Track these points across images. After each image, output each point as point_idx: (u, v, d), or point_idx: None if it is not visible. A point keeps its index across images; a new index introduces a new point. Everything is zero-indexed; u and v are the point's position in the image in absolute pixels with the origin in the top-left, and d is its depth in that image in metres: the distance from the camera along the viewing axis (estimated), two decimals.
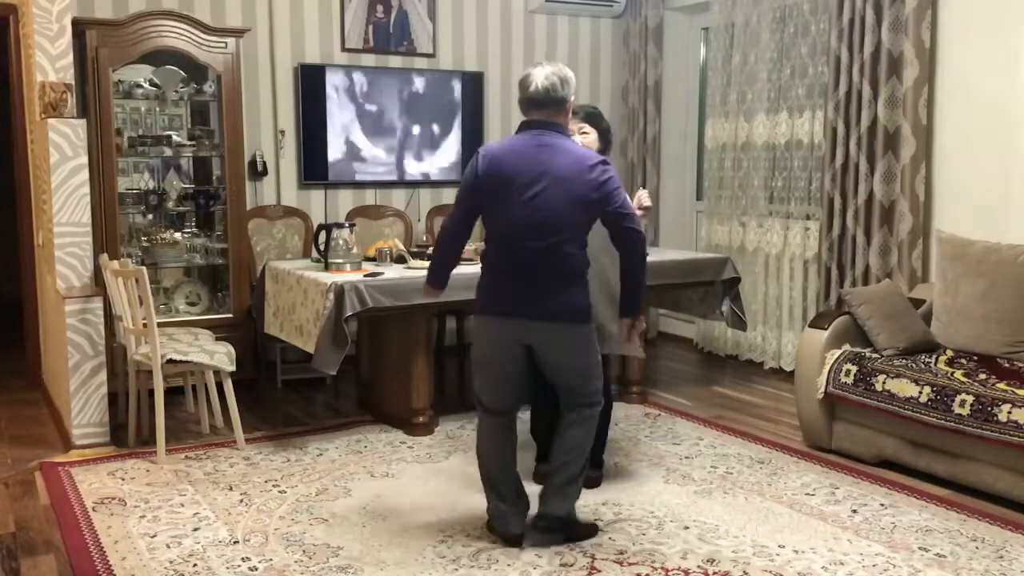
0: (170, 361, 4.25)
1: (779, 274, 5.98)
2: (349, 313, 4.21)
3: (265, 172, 5.90)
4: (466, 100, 6.47)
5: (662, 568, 3.14)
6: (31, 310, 5.70)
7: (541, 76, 3.17)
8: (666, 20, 6.72)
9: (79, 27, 4.91)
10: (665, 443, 4.47)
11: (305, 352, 4.46)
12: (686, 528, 3.46)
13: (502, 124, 6.69)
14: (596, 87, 7.03)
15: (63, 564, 3.22)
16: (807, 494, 3.82)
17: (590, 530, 3.41)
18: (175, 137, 5.48)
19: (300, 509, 3.65)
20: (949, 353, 4.18)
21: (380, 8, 6.20)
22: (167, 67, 5.38)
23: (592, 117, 3.96)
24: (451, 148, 6.47)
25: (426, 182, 6.44)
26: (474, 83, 6.50)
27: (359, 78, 6.12)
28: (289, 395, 5.45)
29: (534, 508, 3.38)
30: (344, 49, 6.13)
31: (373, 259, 4.89)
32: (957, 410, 3.70)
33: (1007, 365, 3.98)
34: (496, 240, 3.23)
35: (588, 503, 3.69)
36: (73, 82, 4.64)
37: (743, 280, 5.49)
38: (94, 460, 4.26)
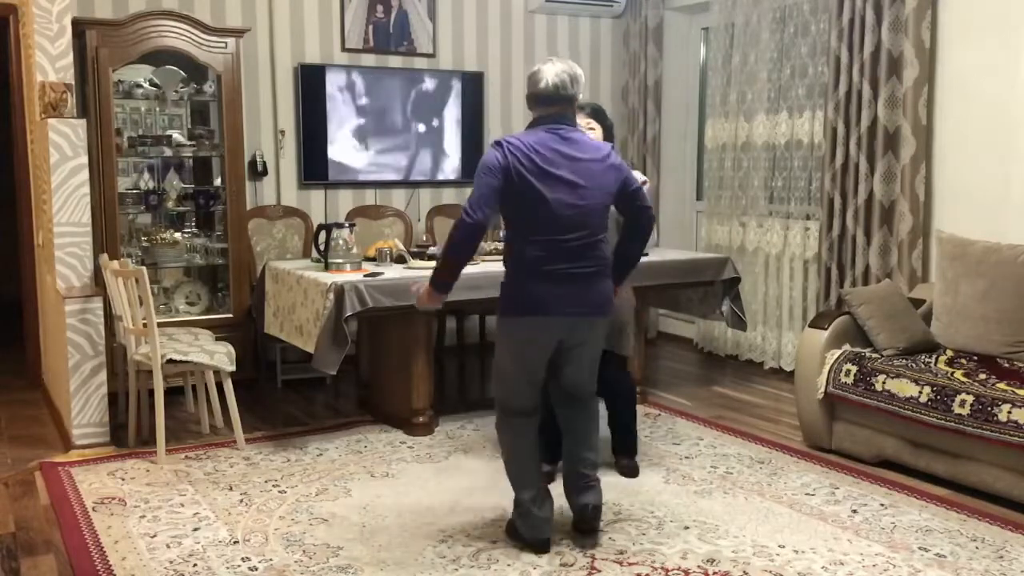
0: (170, 361, 4.25)
1: (779, 274, 5.98)
2: (349, 313, 4.21)
3: (265, 172, 5.90)
4: (466, 100, 6.47)
5: (662, 568, 3.14)
6: (31, 310, 5.70)
7: (551, 73, 3.16)
8: (666, 20, 6.72)
9: (79, 27, 4.91)
10: (665, 443, 4.47)
11: (305, 352, 4.46)
12: (686, 528, 3.46)
13: (502, 124, 6.69)
14: (596, 87, 7.03)
15: (63, 564, 3.22)
16: (807, 494, 3.82)
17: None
18: (175, 137, 5.48)
19: (300, 509, 3.65)
20: (949, 353, 4.18)
21: (380, 8, 6.20)
22: (167, 67, 5.38)
23: (598, 113, 3.98)
24: (451, 148, 6.47)
25: (426, 182, 6.44)
26: (474, 83, 6.50)
27: (359, 78, 6.12)
28: (289, 395, 5.45)
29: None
30: (344, 49, 6.13)
31: (373, 259, 4.89)
32: (957, 410, 3.70)
33: (1007, 365, 3.98)
34: (530, 238, 3.15)
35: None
36: (73, 82, 4.64)
37: (743, 280, 5.49)
38: (94, 460, 4.26)
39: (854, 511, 3.63)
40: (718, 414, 5.01)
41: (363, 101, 6.15)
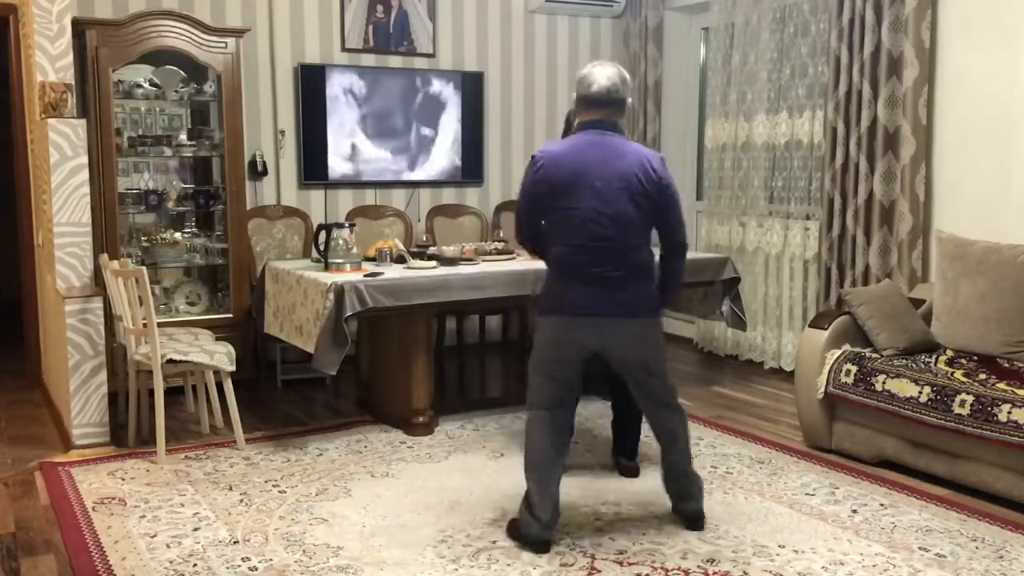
0: (170, 361, 4.25)
1: (779, 274, 5.98)
2: (349, 313, 4.21)
3: (265, 172, 5.90)
4: (466, 100, 6.47)
5: (662, 568, 3.14)
6: (31, 310, 5.70)
7: (603, 76, 3.19)
8: (666, 20, 6.72)
9: (79, 27, 4.91)
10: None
11: (305, 352, 4.46)
12: (686, 528, 3.46)
13: (502, 124, 6.69)
14: None
15: (63, 564, 3.22)
16: (807, 494, 3.82)
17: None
18: (175, 137, 5.49)
19: (300, 509, 3.65)
20: (949, 353, 4.17)
21: (380, 8, 6.20)
22: (167, 67, 5.38)
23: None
24: (451, 148, 6.47)
25: (426, 182, 6.44)
26: (474, 83, 6.50)
27: (359, 78, 6.12)
28: (289, 395, 5.45)
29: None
30: (344, 49, 6.13)
31: (373, 259, 4.89)
32: (957, 410, 3.70)
33: (1007, 365, 3.98)
34: (560, 242, 3.22)
35: (588, 503, 3.69)
36: (73, 82, 4.64)
37: (743, 280, 5.49)
38: (94, 460, 4.26)
39: (854, 511, 3.63)
40: (718, 414, 5.01)
41: (363, 101, 6.15)
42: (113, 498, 3.78)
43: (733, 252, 6.01)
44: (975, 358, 4.08)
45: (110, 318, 4.59)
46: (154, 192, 5.44)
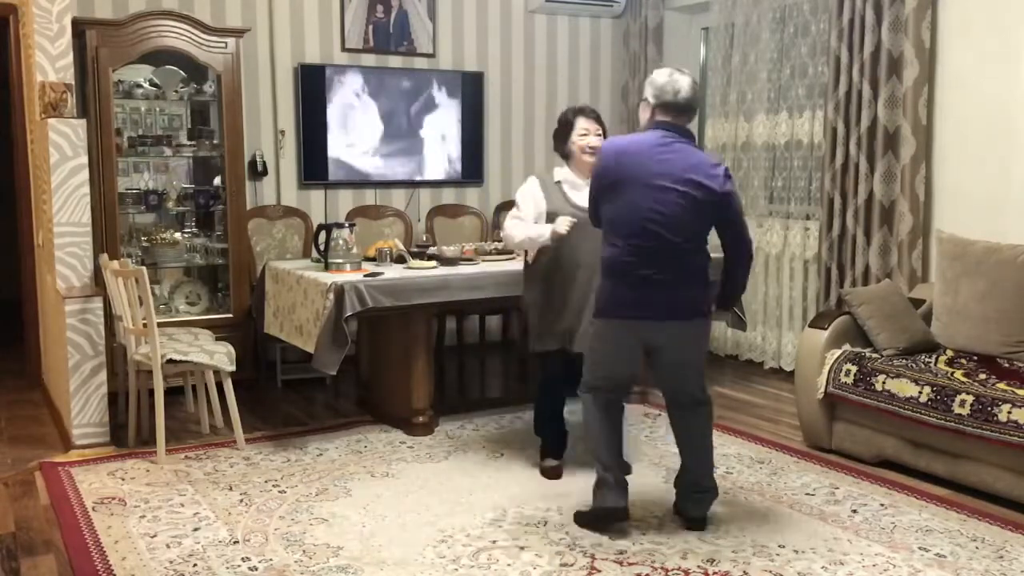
0: (170, 361, 4.25)
1: (779, 274, 5.98)
2: (349, 313, 4.21)
3: (265, 172, 5.90)
4: (466, 100, 6.47)
5: (662, 568, 3.14)
6: (31, 310, 5.70)
7: (687, 84, 3.26)
8: (666, 20, 6.71)
9: (79, 27, 4.91)
10: (665, 443, 4.47)
11: (305, 352, 4.46)
12: (687, 528, 3.46)
13: (502, 124, 6.69)
14: (596, 87, 7.03)
15: (63, 564, 3.22)
16: (807, 494, 3.82)
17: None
18: (175, 137, 5.49)
19: (300, 509, 3.65)
20: (949, 353, 4.17)
21: (380, 8, 6.20)
22: (167, 67, 5.38)
23: (601, 120, 3.98)
24: (451, 148, 6.47)
25: (426, 182, 6.44)
26: (474, 83, 6.50)
27: (359, 78, 6.12)
28: (289, 395, 5.45)
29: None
30: (344, 49, 6.12)
31: (373, 259, 4.88)
32: (957, 410, 3.70)
33: (1007, 365, 3.98)
34: (614, 241, 3.23)
35: (588, 503, 3.69)
36: (73, 82, 4.64)
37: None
38: (94, 460, 4.26)
39: (854, 511, 3.63)
40: (718, 414, 4.96)
41: (363, 101, 6.14)
42: (113, 498, 3.78)
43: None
44: (975, 358, 4.08)
45: (110, 318, 4.59)
46: (154, 192, 5.44)
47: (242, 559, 3.20)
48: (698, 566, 3.15)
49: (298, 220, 5.95)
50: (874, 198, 5.09)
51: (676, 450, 4.34)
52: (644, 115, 3.35)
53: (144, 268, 4.26)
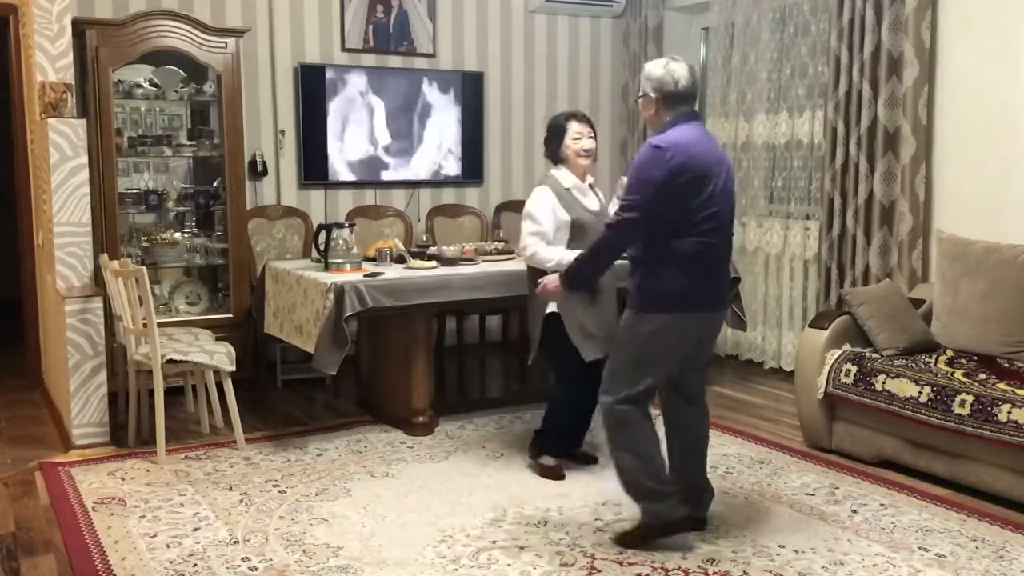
0: (170, 361, 4.25)
1: (779, 274, 5.98)
2: (349, 313, 4.21)
3: (265, 172, 5.90)
4: (466, 100, 6.47)
5: (662, 568, 3.14)
6: (31, 310, 5.70)
7: (686, 72, 3.20)
8: (666, 20, 6.71)
9: (79, 27, 4.91)
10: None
11: (305, 352, 4.46)
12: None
13: (502, 124, 6.69)
14: (596, 87, 7.03)
15: (63, 564, 3.22)
16: (807, 494, 3.82)
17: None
18: (175, 137, 5.49)
19: (300, 509, 3.64)
20: (949, 353, 4.17)
21: (380, 8, 6.20)
22: (167, 67, 5.38)
23: (592, 123, 3.98)
24: (451, 148, 6.47)
25: (426, 182, 6.44)
26: (474, 83, 6.50)
27: (359, 78, 6.12)
28: (289, 395, 5.45)
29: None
30: (344, 49, 6.12)
31: (373, 259, 4.89)
32: (957, 410, 3.70)
33: (1007, 365, 3.97)
34: (692, 232, 3.12)
35: (588, 503, 3.69)
36: (73, 82, 4.64)
37: (743, 280, 5.49)
38: (94, 460, 4.26)
39: (854, 511, 3.63)
40: (718, 414, 5.00)
41: (363, 101, 6.14)
42: (113, 498, 3.78)
43: (733, 252, 5.99)
44: (975, 358, 4.08)
45: (110, 318, 4.59)
46: (154, 192, 5.44)
47: (242, 559, 3.20)
48: (698, 566, 3.15)
49: (298, 220, 5.95)
50: (874, 198, 5.09)
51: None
52: (647, 111, 3.27)
53: (144, 268, 4.26)
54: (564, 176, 3.90)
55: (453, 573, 3.10)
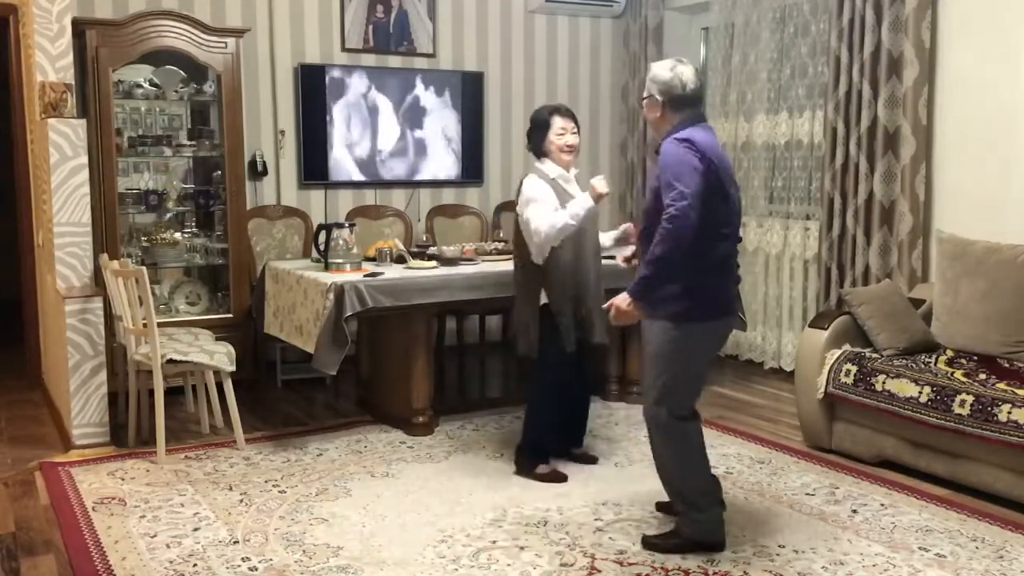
0: (170, 361, 4.25)
1: (779, 274, 5.98)
2: (349, 313, 4.21)
3: (265, 172, 5.90)
4: (466, 100, 6.47)
5: (662, 568, 3.14)
6: (31, 310, 5.70)
7: (692, 74, 3.18)
8: (666, 20, 6.71)
9: (79, 27, 4.91)
10: None
11: (305, 352, 4.46)
12: None
13: (502, 124, 6.69)
14: (596, 87, 7.03)
15: (63, 564, 3.22)
16: (807, 494, 3.82)
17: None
18: (175, 137, 5.48)
19: (300, 509, 3.65)
20: (949, 353, 4.17)
21: (380, 8, 6.20)
22: (167, 67, 5.38)
23: (576, 119, 3.98)
24: (451, 148, 6.47)
25: (426, 182, 6.44)
26: (474, 83, 6.50)
27: (359, 78, 6.12)
28: (289, 395, 5.45)
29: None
30: (344, 49, 6.12)
31: (373, 259, 4.89)
32: (957, 410, 3.70)
33: (1007, 365, 3.98)
34: (716, 234, 3.09)
35: (588, 503, 3.70)
36: (73, 82, 4.64)
37: (743, 280, 5.47)
38: (94, 460, 4.26)
39: (854, 511, 3.63)
40: (718, 414, 5.01)
41: (363, 101, 6.14)
42: (113, 498, 3.78)
43: None
44: (975, 358, 4.08)
45: (110, 318, 4.59)
46: (154, 192, 5.44)
47: (242, 559, 3.20)
48: (698, 566, 3.15)
49: (298, 220, 5.94)
50: (874, 198, 5.09)
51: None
52: (652, 113, 3.22)
53: (144, 268, 4.26)
54: (549, 167, 3.91)
55: (453, 573, 3.10)
